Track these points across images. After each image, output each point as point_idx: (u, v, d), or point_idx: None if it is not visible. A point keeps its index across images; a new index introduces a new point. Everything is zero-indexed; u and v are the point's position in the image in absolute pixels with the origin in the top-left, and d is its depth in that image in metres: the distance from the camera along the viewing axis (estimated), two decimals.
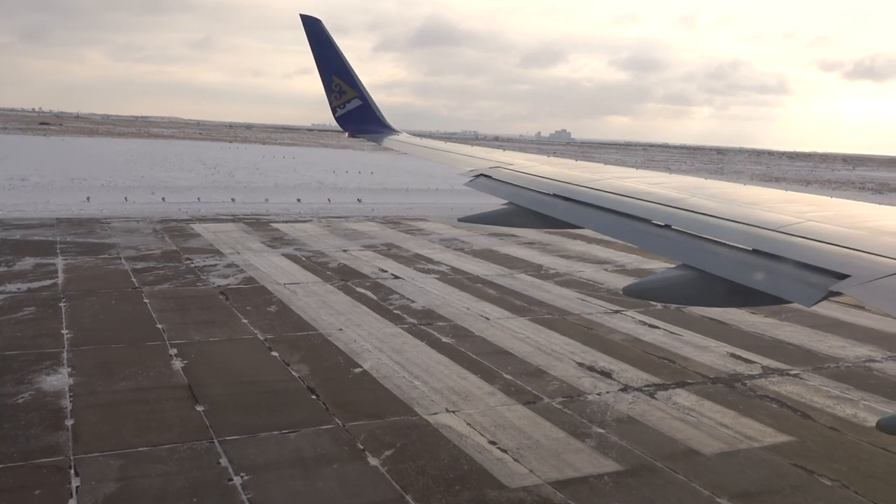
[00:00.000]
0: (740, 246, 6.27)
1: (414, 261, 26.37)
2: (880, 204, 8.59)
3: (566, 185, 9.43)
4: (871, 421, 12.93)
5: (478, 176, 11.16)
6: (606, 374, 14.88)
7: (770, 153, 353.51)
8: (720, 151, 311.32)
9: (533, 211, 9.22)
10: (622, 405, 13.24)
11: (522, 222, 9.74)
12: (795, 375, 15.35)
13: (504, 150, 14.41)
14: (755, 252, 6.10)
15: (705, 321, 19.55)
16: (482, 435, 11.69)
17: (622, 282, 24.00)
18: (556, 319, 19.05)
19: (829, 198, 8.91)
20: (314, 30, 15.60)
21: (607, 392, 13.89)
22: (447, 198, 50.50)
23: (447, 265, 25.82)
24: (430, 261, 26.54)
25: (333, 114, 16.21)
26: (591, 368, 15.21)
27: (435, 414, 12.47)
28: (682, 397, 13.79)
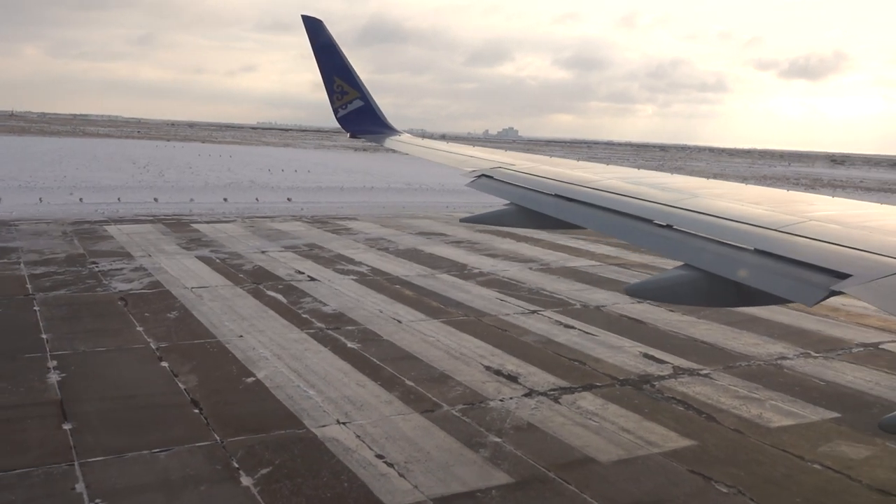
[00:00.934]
0: (742, 246, 6.28)
1: (334, 262, 25.57)
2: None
3: (568, 185, 9.43)
4: (776, 421, 12.67)
5: (479, 176, 11.18)
6: (513, 379, 14.35)
7: (711, 150, 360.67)
8: (663, 148, 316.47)
9: (535, 211, 9.26)
10: (524, 411, 12.71)
11: (524, 223, 9.86)
12: (706, 375, 15.06)
13: (506, 150, 14.55)
14: (757, 252, 6.11)
15: (623, 320, 19.22)
16: (370, 448, 11.02)
17: (544, 280, 23.64)
18: (470, 321, 18.49)
19: (830, 197, 8.97)
20: (315, 31, 15.49)
21: (511, 398, 13.35)
22: (383, 196, 49.76)
23: (368, 266, 25.09)
24: (351, 261, 25.77)
25: (335, 114, 16.19)
26: (498, 372, 14.67)
27: (324, 426, 11.75)
28: (588, 401, 13.33)
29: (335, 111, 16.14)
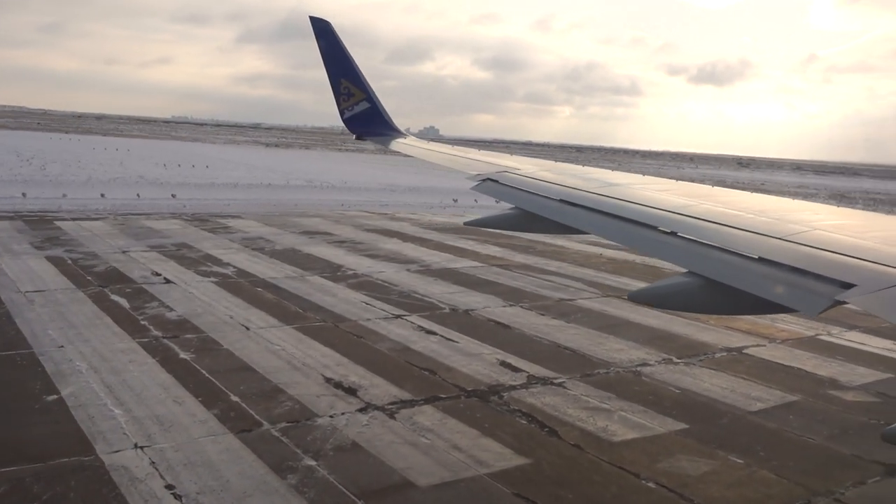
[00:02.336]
0: (746, 254, 6.28)
1: (199, 263, 23.99)
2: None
3: (573, 190, 9.46)
4: (620, 435, 12.01)
5: (484, 180, 11.17)
6: (352, 392, 13.29)
7: (626, 151, 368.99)
8: (580, 150, 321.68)
9: (540, 216, 9.24)
10: (352, 429, 11.66)
11: (529, 227, 9.86)
12: (560, 384, 14.34)
13: (511, 154, 14.47)
14: (761, 260, 6.11)
15: (489, 325, 18.43)
16: (162, 477, 9.76)
17: (419, 282, 22.71)
18: (326, 327, 17.34)
19: (836, 207, 9.61)
20: (323, 32, 15.50)
21: (342, 413, 12.28)
22: (279, 193, 48.14)
23: (235, 267, 23.62)
24: (218, 262, 24.24)
25: (341, 116, 16.24)
26: (338, 385, 13.58)
27: (117, 452, 10.42)
28: (426, 416, 12.38)
29: (341, 113, 16.21)
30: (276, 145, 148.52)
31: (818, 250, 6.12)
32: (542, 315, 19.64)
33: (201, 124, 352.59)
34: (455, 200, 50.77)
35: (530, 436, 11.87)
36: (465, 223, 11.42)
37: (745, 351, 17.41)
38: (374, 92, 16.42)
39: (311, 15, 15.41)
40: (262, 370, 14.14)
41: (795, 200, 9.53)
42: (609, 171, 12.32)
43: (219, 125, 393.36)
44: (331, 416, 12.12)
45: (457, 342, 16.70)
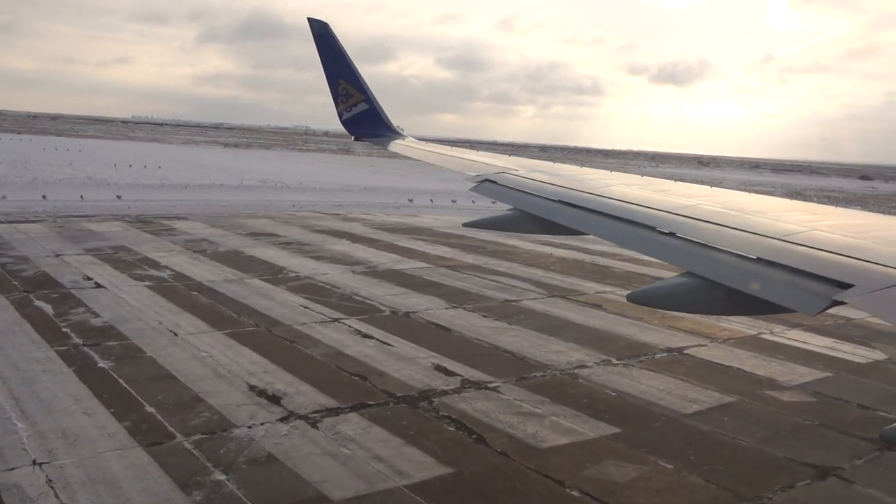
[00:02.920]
0: (744, 254, 6.28)
1: (135, 266, 23.22)
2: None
3: (571, 191, 9.47)
4: (550, 441, 11.67)
5: (483, 181, 11.18)
6: (276, 400, 12.78)
7: (589, 150, 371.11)
8: (543, 149, 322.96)
9: (538, 217, 9.31)
10: (270, 440, 11.16)
11: (527, 228, 9.96)
12: (494, 388, 13.98)
13: (510, 155, 14.69)
14: (759, 261, 6.12)
15: (429, 328, 18.02)
16: (57, 496, 9.17)
17: (363, 284, 22.22)
18: (258, 332, 16.79)
19: (833, 207, 9.16)
20: (321, 33, 15.46)
21: (262, 423, 11.77)
22: (230, 194, 47.24)
23: (173, 270, 22.90)
24: (155, 265, 23.48)
25: (340, 117, 16.25)
26: (262, 393, 13.07)
27: (13, 469, 9.81)
28: (351, 424, 11.93)
29: (340, 114, 16.22)
30: (236, 145, 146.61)
31: (816, 250, 6.13)
32: (485, 317, 19.29)
33: (161, 124, 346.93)
34: (410, 200, 50.30)
35: (456, 443, 11.48)
36: (464, 224, 11.44)
37: (686, 351, 17.22)
38: (372, 93, 16.42)
39: (309, 16, 15.48)
40: (184, 378, 13.56)
41: (794, 201, 9.54)
42: (606, 172, 12.30)
43: (179, 125, 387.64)
44: (249, 427, 11.61)
45: (393, 346, 16.27)
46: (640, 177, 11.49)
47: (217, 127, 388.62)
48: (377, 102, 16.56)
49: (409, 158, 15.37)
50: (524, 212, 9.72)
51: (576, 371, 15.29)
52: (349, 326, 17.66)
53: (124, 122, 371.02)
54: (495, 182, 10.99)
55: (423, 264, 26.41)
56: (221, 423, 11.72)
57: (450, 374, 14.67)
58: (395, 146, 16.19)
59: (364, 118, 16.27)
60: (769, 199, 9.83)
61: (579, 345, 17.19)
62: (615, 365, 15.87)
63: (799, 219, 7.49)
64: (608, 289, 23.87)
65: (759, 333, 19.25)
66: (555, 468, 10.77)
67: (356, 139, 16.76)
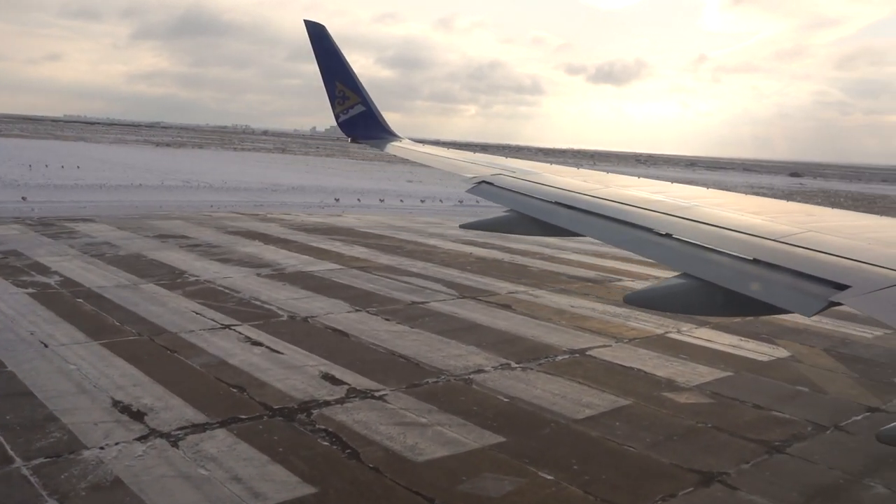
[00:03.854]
0: (741, 255, 6.28)
1: (22, 272, 21.84)
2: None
3: (568, 192, 9.51)
4: (429, 453, 11.04)
5: (479, 183, 11.14)
6: (139, 416, 11.85)
7: (530, 149, 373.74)
8: (485, 148, 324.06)
9: (534, 218, 9.31)
10: (120, 463, 10.25)
11: (524, 230, 9.92)
12: (381, 397, 13.30)
13: (507, 156, 14.75)
14: (756, 262, 6.12)
15: (326, 333, 17.24)
16: None
17: (265, 288, 21.30)
18: (138, 342, 15.77)
19: (831, 209, 9.13)
20: (318, 35, 15.46)
21: (117, 444, 10.83)
22: (148, 194, 45.52)
23: (62, 276, 21.60)
24: (45, 271, 22.14)
25: (336, 119, 16.25)
26: (125, 409, 12.12)
27: None
28: (216, 442, 11.09)
29: (336, 116, 16.19)
30: (168, 144, 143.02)
31: (813, 252, 6.13)
32: (388, 320, 18.59)
33: (93, 123, 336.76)
34: (337, 200, 49.33)
35: (327, 460, 10.75)
36: (461, 226, 11.34)
37: (588, 352, 16.81)
38: (368, 95, 16.45)
39: (306, 18, 15.52)
40: (42, 395, 12.52)
41: (791, 202, 9.52)
42: (604, 173, 12.36)
43: (113, 124, 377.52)
44: (101, 448, 10.67)
45: (282, 354, 15.45)
46: (636, 178, 11.49)
47: (153, 126, 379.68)
48: (374, 104, 16.62)
49: (408, 161, 15.52)
50: (520, 213, 9.72)
51: (471, 376, 14.71)
52: (240, 333, 16.76)
53: (55, 120, 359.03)
54: (492, 184, 10.97)
55: (335, 266, 25.58)
56: (71, 444, 10.75)
57: (337, 382, 13.93)
58: (391, 148, 16.23)
59: (360, 120, 16.33)
60: (766, 200, 9.77)
61: (480, 348, 16.63)
62: (513, 369, 15.35)
63: (796, 220, 7.52)
64: (521, 289, 23.43)
65: (667, 332, 19.01)
66: (427, 483, 10.14)
67: (352, 141, 16.85)
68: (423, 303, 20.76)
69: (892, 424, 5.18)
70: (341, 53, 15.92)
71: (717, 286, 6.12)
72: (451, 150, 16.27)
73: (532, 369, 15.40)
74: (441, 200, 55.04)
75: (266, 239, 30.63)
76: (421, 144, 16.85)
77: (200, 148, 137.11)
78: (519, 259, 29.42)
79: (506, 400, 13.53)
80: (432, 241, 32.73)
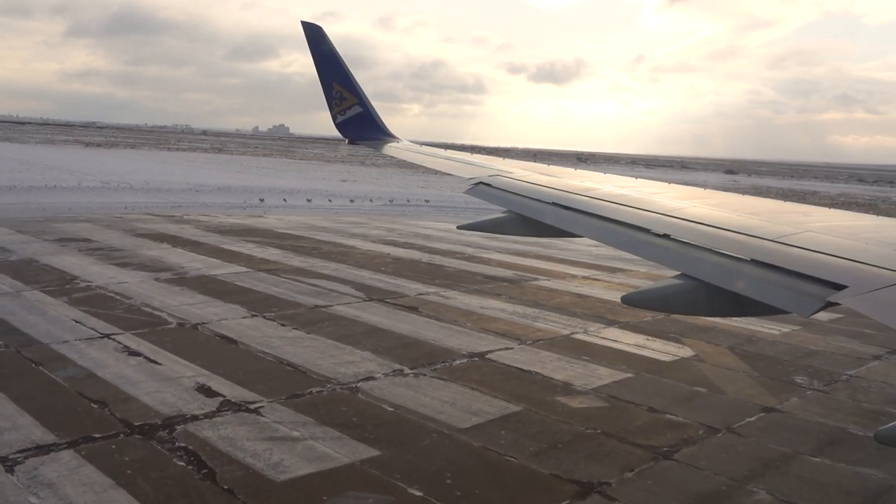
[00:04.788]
0: (738, 256, 6.31)
1: None
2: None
3: (565, 193, 9.51)
4: (293, 471, 10.27)
5: (477, 184, 11.20)
6: None
7: (473, 147, 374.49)
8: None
9: (532, 219, 9.36)
10: None
11: (521, 230, 10.05)
12: (255, 410, 12.47)
13: (504, 158, 14.83)
14: (753, 262, 6.17)
15: (214, 341, 16.32)
16: None
17: (160, 293, 20.21)
18: (3, 355, 14.61)
19: (828, 209, 9.15)
20: (315, 37, 15.47)
21: None
22: (62, 196, 43.58)
23: None
24: None
25: (333, 120, 16.16)
26: None
27: None
28: (57, 465, 10.12)
29: (334, 117, 16.14)
30: (99, 145, 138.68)
31: (810, 252, 6.14)
32: (283, 326, 17.74)
33: (23, 123, 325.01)
34: (262, 200, 48.06)
35: (178, 482, 9.89)
36: (459, 227, 11.48)
37: (489, 356, 16.24)
38: (366, 96, 16.35)
39: (303, 20, 15.58)
40: None
41: (787, 203, 9.53)
42: (601, 174, 12.34)
43: (45, 124, 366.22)
44: None
45: (160, 364, 14.48)
46: (633, 178, 11.39)
47: (88, 126, 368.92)
48: (371, 106, 16.53)
49: (407, 162, 15.46)
50: (518, 214, 9.77)
51: (359, 384, 13.97)
52: (118, 343, 15.72)
53: None
54: (490, 185, 11.00)
55: (242, 269, 24.55)
56: None
57: (212, 394, 13.05)
58: (389, 149, 16.15)
59: (358, 121, 16.25)
60: (763, 200, 9.88)
61: (376, 354, 15.91)
62: (406, 375, 14.67)
63: (793, 220, 7.55)
64: (433, 290, 22.79)
65: (573, 333, 18.58)
66: None
67: (350, 142, 16.78)
68: (326, 306, 19.94)
69: (891, 424, 5.16)
70: (339, 55, 15.85)
71: (715, 286, 6.18)
72: (449, 150, 16.13)
73: (426, 375, 14.75)
74: (371, 200, 54.18)
75: (175, 241, 29.37)
76: (419, 146, 16.74)
77: (133, 148, 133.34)
78: (438, 259, 28.81)
79: (390, 409, 12.84)
80: (352, 242, 31.90)
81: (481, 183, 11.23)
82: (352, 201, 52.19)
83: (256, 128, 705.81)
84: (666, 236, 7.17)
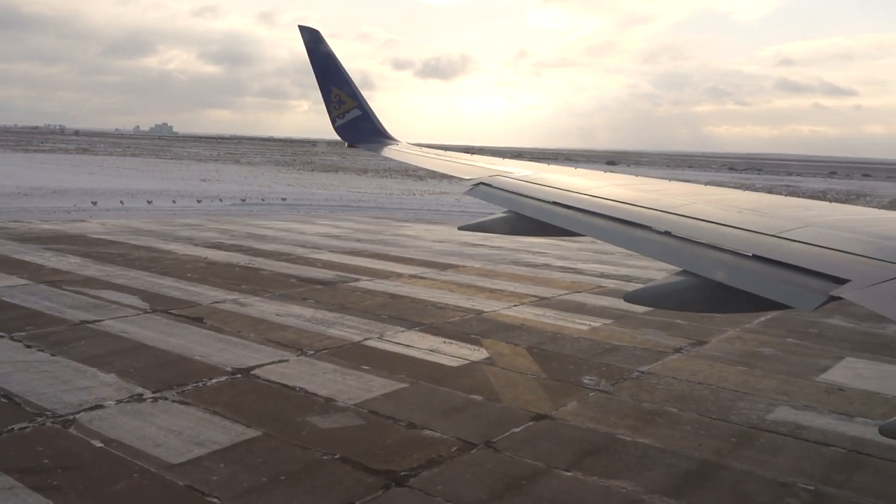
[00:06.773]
0: (740, 251, 6.30)
1: None
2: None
3: (565, 192, 9.54)
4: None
5: (477, 184, 11.18)
6: None
7: None
8: (314, 143, 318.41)
9: (532, 219, 9.36)
10: None
11: (522, 230, 10.18)
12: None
13: (503, 158, 14.78)
14: (755, 257, 6.15)
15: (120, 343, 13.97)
16: None
17: (59, 296, 17.49)
18: None
19: (829, 203, 9.59)
20: (313, 41, 15.41)
21: None
22: (31, 201, 38.91)
23: None
24: None
25: (333, 124, 16.04)
26: None
27: None
28: None
29: (333, 121, 16.02)
30: (26, 151, 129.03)
31: (811, 246, 6.11)
32: (28, 347, 15.53)
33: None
34: (94, 203, 44.69)
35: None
36: (460, 228, 11.34)
37: (254, 371, 14.62)
38: (365, 100, 16.25)
39: (301, 24, 15.46)
40: None
41: (788, 198, 9.36)
42: (600, 173, 12.23)
43: None
44: None
45: (56, 367, 12.12)
46: (633, 177, 11.31)
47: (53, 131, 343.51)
48: (370, 109, 16.42)
49: (404, 163, 15.23)
50: (519, 214, 9.71)
51: (78, 416, 12.04)
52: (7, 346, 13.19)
53: None
54: (490, 185, 10.95)
55: (21, 282, 21.90)
56: None
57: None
58: (388, 151, 15.99)
59: (357, 124, 16.19)
60: (764, 195, 9.83)
61: (121, 376, 13.97)
62: (142, 401, 12.85)
63: (794, 215, 7.53)
64: (232, 297, 20.96)
65: (365, 339, 17.18)
66: None
67: (349, 145, 16.64)
68: (95, 321, 17.77)
69: (894, 419, 4.92)
70: (337, 58, 15.73)
71: (717, 283, 6.10)
72: (449, 152, 16.02)
73: (167, 399, 12.97)
74: (221, 200, 51.51)
75: (88, 243, 26.29)
76: (418, 147, 16.55)
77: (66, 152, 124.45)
78: (259, 262, 26.94)
79: (98, 445, 11.00)
80: (170, 246, 29.55)
81: (481, 183, 11.15)
82: (199, 202, 49.36)
83: (137, 127, 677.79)
84: (667, 233, 7.12)
